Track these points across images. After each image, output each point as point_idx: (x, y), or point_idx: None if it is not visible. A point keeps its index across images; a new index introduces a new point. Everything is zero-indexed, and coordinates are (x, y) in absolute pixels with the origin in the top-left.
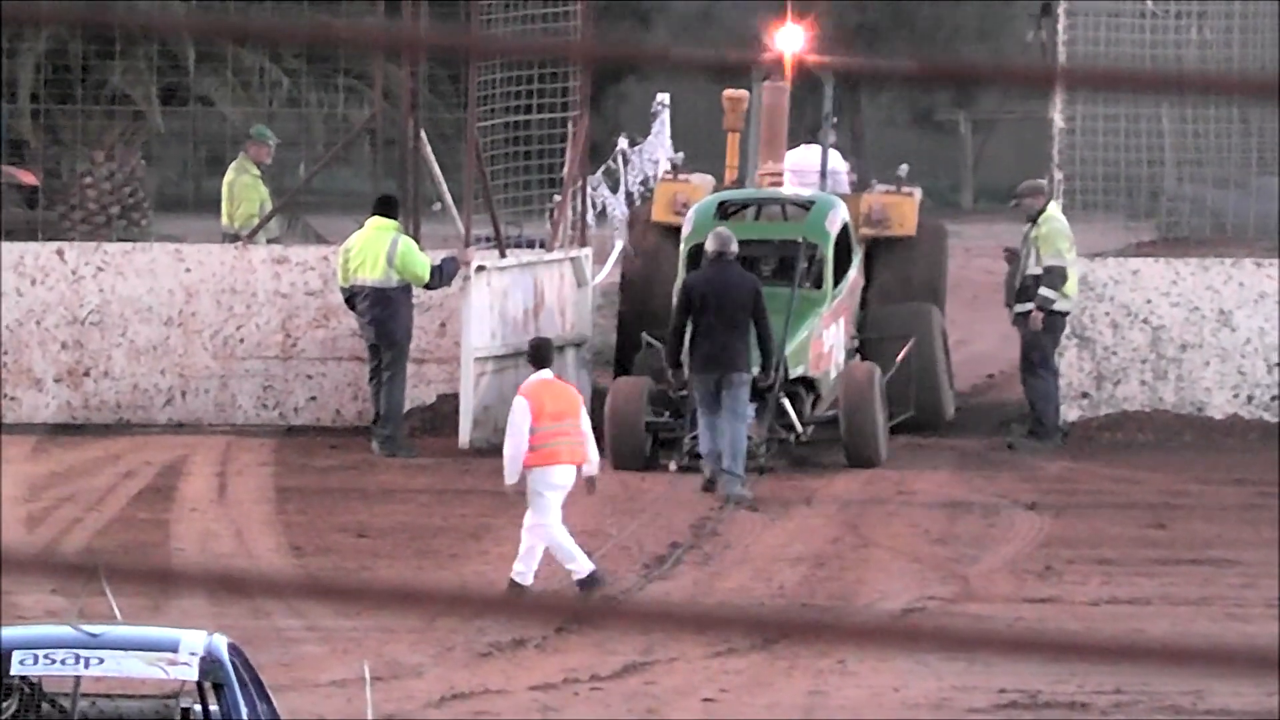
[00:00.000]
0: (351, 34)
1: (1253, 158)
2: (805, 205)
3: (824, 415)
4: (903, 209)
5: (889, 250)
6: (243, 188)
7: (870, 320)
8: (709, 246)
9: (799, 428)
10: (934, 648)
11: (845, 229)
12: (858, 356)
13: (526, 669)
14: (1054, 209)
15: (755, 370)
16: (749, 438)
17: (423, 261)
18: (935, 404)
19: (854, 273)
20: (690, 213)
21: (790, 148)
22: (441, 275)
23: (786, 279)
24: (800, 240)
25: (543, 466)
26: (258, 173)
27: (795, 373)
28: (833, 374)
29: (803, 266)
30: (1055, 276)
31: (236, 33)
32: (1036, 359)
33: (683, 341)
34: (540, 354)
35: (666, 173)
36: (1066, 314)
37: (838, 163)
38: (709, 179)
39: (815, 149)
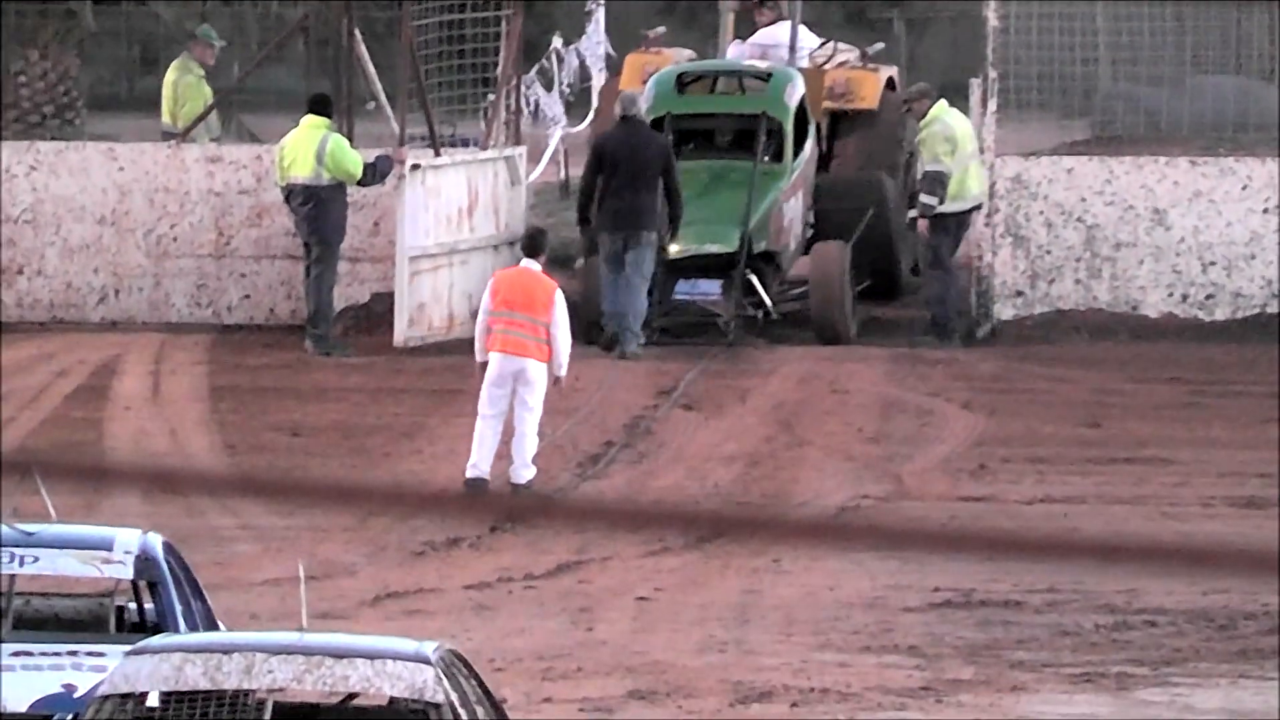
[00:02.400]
0: None
1: (1187, 56)
2: (763, 78)
3: (793, 293)
4: (865, 83)
5: (851, 123)
6: (186, 87)
7: (826, 192)
8: (615, 108)
9: (768, 304)
10: (867, 546)
11: (803, 102)
12: (810, 230)
13: (460, 568)
14: (940, 111)
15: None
16: (718, 315)
17: (354, 159)
18: (892, 273)
19: (810, 146)
20: (649, 83)
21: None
22: (374, 173)
23: (746, 152)
24: (760, 114)
25: (495, 352)
26: (202, 73)
27: (759, 247)
28: (792, 246)
29: (763, 140)
30: (931, 182)
31: None
32: (929, 261)
33: (591, 200)
34: (530, 242)
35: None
36: (961, 214)
37: (808, 38)
38: (686, 52)
39: (785, 25)
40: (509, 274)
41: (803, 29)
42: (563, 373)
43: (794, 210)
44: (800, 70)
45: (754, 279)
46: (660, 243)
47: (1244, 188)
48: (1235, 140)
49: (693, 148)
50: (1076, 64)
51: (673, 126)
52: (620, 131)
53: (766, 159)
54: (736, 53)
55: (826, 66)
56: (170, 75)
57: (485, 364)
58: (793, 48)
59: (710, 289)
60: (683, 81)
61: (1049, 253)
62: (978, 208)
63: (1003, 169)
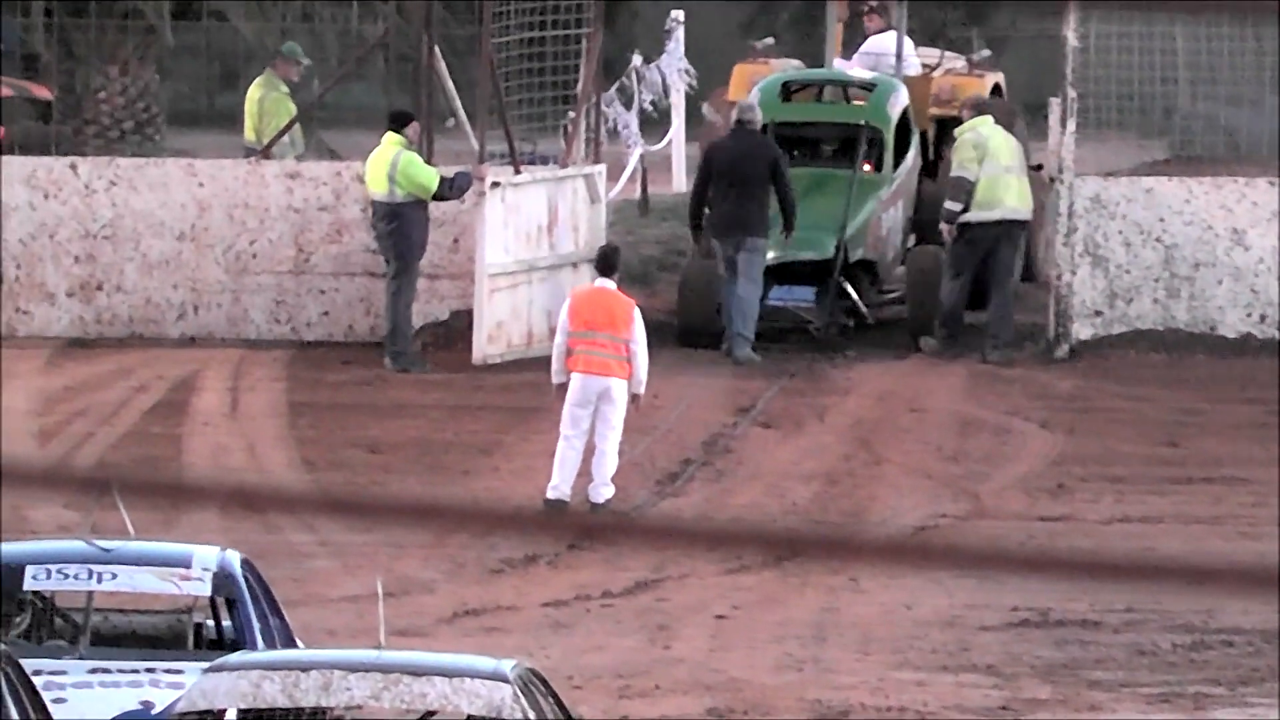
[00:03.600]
0: None
1: (1266, 76)
2: (868, 88)
3: (889, 299)
4: (971, 88)
5: (955, 128)
6: (272, 103)
7: (929, 199)
8: (732, 115)
9: (863, 310)
10: (946, 565)
11: (905, 112)
12: (913, 237)
13: (538, 585)
14: (977, 121)
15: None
16: (809, 321)
17: (427, 174)
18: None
19: (912, 155)
20: (754, 91)
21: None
22: (451, 187)
23: (848, 161)
24: (862, 123)
25: (577, 372)
26: (286, 90)
27: (855, 256)
28: (889, 255)
29: (863, 149)
30: (955, 188)
31: None
32: (947, 267)
33: (702, 205)
34: (605, 260)
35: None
36: (988, 224)
37: (909, 48)
38: (793, 63)
39: (892, 35)
40: (587, 293)
41: (908, 39)
42: (641, 390)
43: (893, 219)
44: (906, 79)
45: (849, 286)
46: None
47: None
48: None
49: (796, 155)
50: (1156, 84)
51: (775, 134)
52: (732, 139)
53: (867, 168)
54: (846, 65)
55: (934, 74)
56: (254, 92)
57: (563, 385)
58: (899, 56)
59: (805, 295)
60: (789, 90)
61: (1128, 272)
62: (1021, 225)
63: (1081, 188)
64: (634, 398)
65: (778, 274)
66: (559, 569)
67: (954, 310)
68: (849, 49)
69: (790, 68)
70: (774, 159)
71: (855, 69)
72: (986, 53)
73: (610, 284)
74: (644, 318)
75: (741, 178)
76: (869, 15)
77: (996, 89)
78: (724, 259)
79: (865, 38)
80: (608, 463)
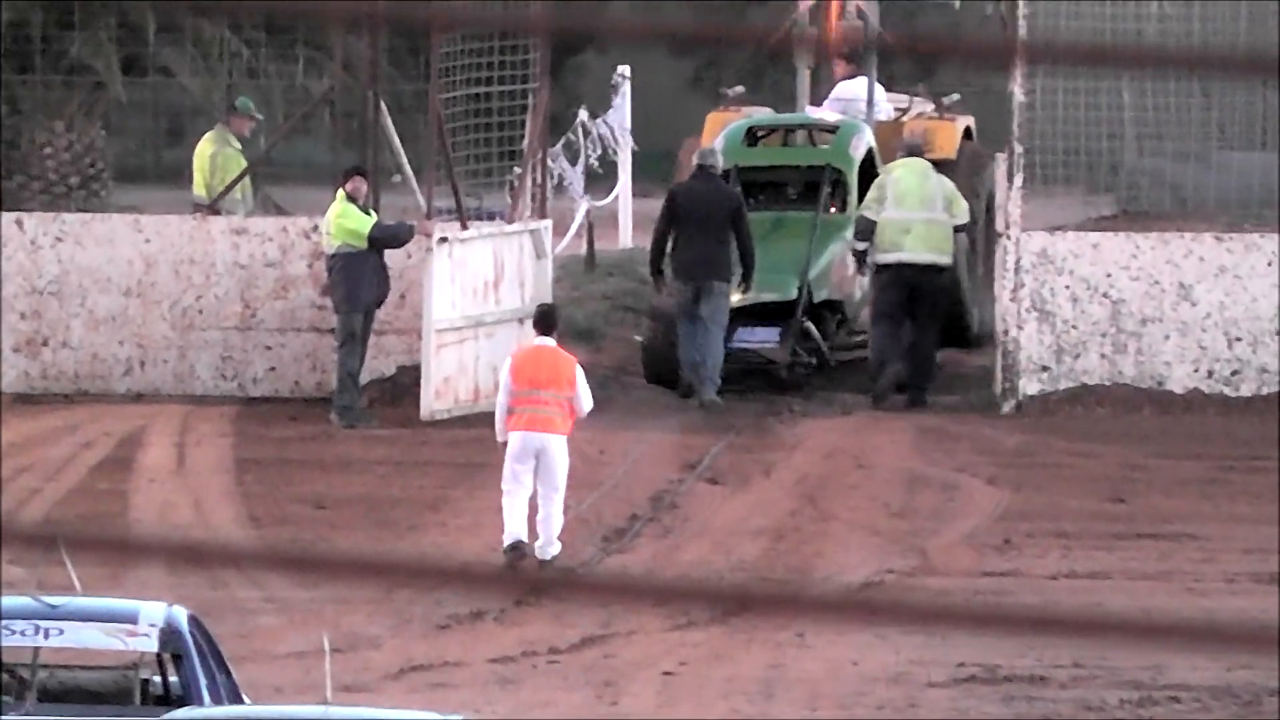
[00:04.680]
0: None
1: (1212, 131)
2: (831, 130)
3: (851, 341)
4: (943, 132)
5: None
6: (225, 159)
7: None
8: (693, 159)
9: (825, 352)
10: (892, 621)
11: (870, 154)
12: None
13: (485, 641)
14: (895, 165)
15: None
16: (772, 362)
17: (359, 220)
18: (961, 321)
19: None
20: (719, 136)
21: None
22: (384, 232)
23: (811, 203)
24: (825, 165)
25: (516, 430)
26: (239, 145)
27: (819, 296)
28: (857, 296)
29: (826, 191)
30: (858, 226)
31: (197, 2)
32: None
33: (663, 250)
34: (544, 319)
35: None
36: (897, 266)
37: (880, 93)
38: (764, 110)
39: (862, 80)
40: (529, 352)
41: (878, 86)
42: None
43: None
44: (878, 124)
45: (812, 327)
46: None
47: (1269, 263)
48: (1260, 216)
49: (761, 199)
50: (1102, 139)
51: (741, 178)
52: (694, 184)
53: (832, 209)
54: (816, 110)
55: (904, 119)
56: (206, 147)
57: (506, 443)
58: (870, 102)
59: (768, 336)
60: (755, 135)
61: (1075, 327)
62: (936, 270)
63: (1028, 244)
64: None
65: (742, 315)
66: (506, 625)
67: (879, 357)
68: (816, 94)
69: (760, 114)
70: (735, 205)
71: (825, 114)
72: (956, 97)
73: (550, 342)
74: (591, 372)
75: (703, 222)
76: (837, 61)
77: (968, 132)
78: (683, 302)
79: (834, 84)
80: (554, 523)
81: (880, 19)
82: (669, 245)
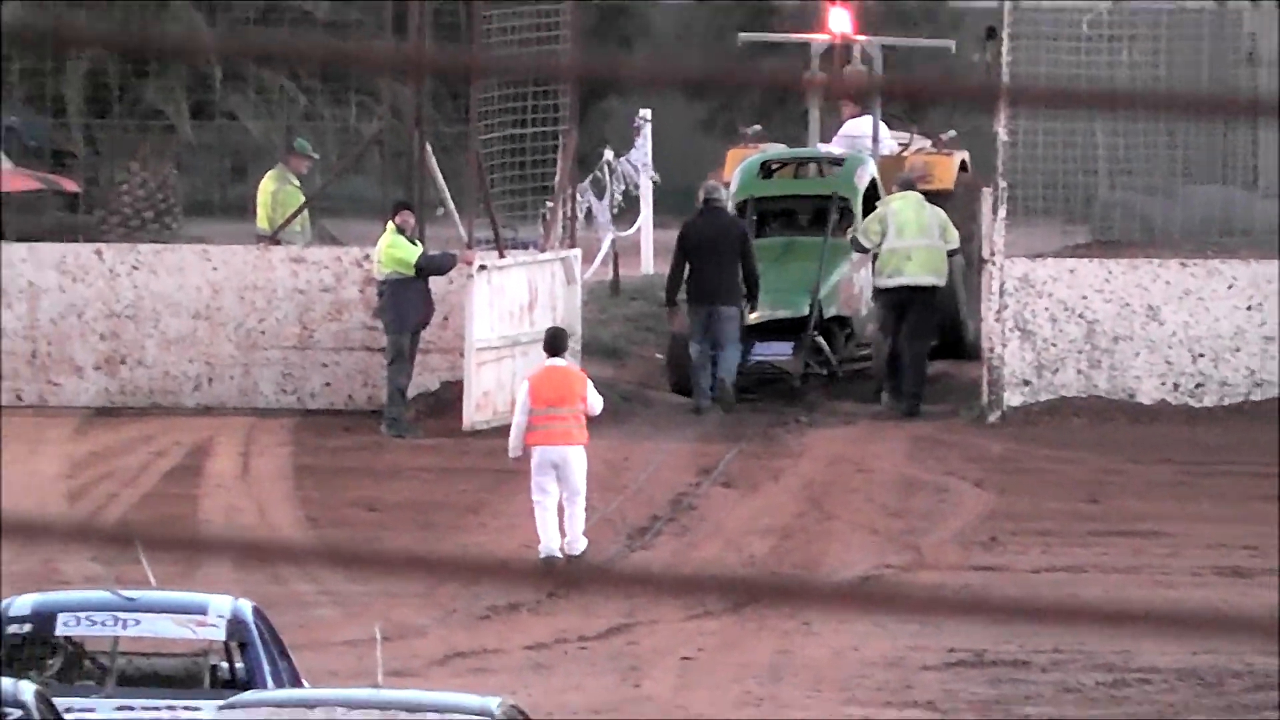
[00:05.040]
0: (362, 55)
1: (1177, 167)
2: (838, 163)
3: (858, 353)
4: (941, 166)
5: (929, 201)
6: (286, 195)
7: None
8: (700, 195)
9: (834, 364)
10: (889, 611)
11: (873, 184)
12: None
13: (521, 630)
14: (893, 198)
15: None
16: (787, 372)
17: (407, 250)
18: (955, 332)
19: None
20: (736, 171)
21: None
22: (432, 262)
23: (820, 229)
24: (832, 194)
25: (538, 445)
26: (298, 183)
27: (829, 312)
28: (863, 312)
29: (834, 218)
30: (852, 246)
31: (259, 53)
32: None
33: (678, 283)
34: (554, 343)
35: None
36: (894, 289)
37: (884, 131)
38: (779, 147)
39: (867, 119)
40: (543, 375)
41: (882, 124)
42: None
43: (865, 279)
44: (882, 158)
45: (822, 341)
46: (742, 312)
47: (1230, 286)
48: (1221, 244)
49: (775, 225)
50: (1078, 175)
51: (757, 207)
52: (703, 217)
53: (839, 234)
54: (826, 147)
55: (905, 153)
56: (268, 184)
57: (518, 459)
58: (875, 139)
59: (782, 350)
60: (769, 168)
61: (1053, 345)
62: (929, 290)
63: (1011, 269)
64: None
65: (758, 331)
66: (539, 615)
67: (887, 368)
68: (825, 132)
69: (774, 149)
70: (741, 235)
71: (833, 149)
72: (953, 133)
73: (561, 362)
74: (614, 388)
75: (712, 253)
76: (845, 102)
77: (964, 165)
78: (698, 323)
79: (841, 122)
80: (578, 521)
81: (883, 64)
82: (684, 275)
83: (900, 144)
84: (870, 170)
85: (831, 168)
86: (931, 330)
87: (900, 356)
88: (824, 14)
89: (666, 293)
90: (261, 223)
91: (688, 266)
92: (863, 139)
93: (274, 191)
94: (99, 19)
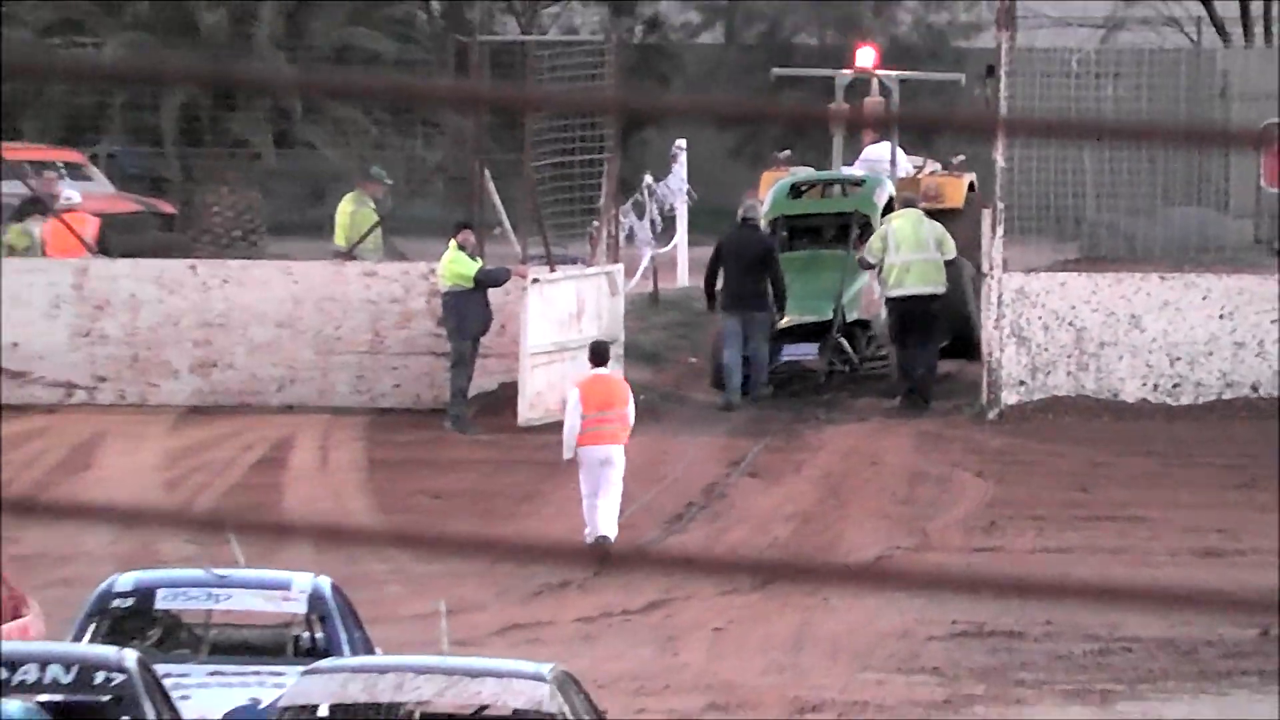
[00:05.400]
0: (427, 90)
1: (1158, 191)
2: (859, 184)
3: (877, 354)
4: (951, 186)
5: (941, 218)
6: (362, 216)
7: None
8: (739, 212)
9: (855, 362)
10: (899, 588)
11: (891, 202)
12: None
13: (570, 605)
14: (894, 216)
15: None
16: (813, 370)
17: (467, 265)
18: (965, 334)
19: None
20: (769, 191)
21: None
22: (489, 276)
23: (843, 243)
24: (854, 212)
25: (587, 446)
26: (372, 205)
27: (851, 317)
28: (882, 316)
29: (856, 233)
30: (860, 264)
31: (335, 90)
32: None
33: (713, 284)
34: (597, 353)
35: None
36: (901, 298)
37: (900, 155)
38: (807, 169)
39: (886, 145)
40: (591, 382)
41: (899, 149)
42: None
43: None
44: (899, 179)
45: (845, 343)
46: (771, 318)
47: (1204, 298)
48: (1196, 259)
49: (803, 240)
50: (1069, 197)
51: (786, 225)
52: (736, 232)
53: (860, 248)
54: (848, 170)
55: (920, 175)
56: (347, 206)
57: (571, 460)
58: (893, 162)
59: (809, 350)
60: (798, 189)
61: (1046, 350)
62: (933, 298)
63: (1009, 282)
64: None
65: (787, 334)
66: (586, 592)
67: (901, 370)
68: (848, 156)
69: (802, 172)
70: (769, 248)
71: (854, 171)
72: (961, 158)
73: (606, 370)
74: (653, 390)
75: (742, 263)
76: (865, 130)
77: (971, 185)
78: (729, 327)
79: (862, 148)
80: (614, 512)
81: (899, 96)
82: (719, 281)
83: (915, 166)
84: (888, 190)
85: (853, 188)
86: (934, 332)
87: (910, 359)
88: (852, 51)
89: (706, 293)
90: (339, 240)
91: (721, 275)
92: (881, 162)
93: (351, 213)
94: (192, 58)
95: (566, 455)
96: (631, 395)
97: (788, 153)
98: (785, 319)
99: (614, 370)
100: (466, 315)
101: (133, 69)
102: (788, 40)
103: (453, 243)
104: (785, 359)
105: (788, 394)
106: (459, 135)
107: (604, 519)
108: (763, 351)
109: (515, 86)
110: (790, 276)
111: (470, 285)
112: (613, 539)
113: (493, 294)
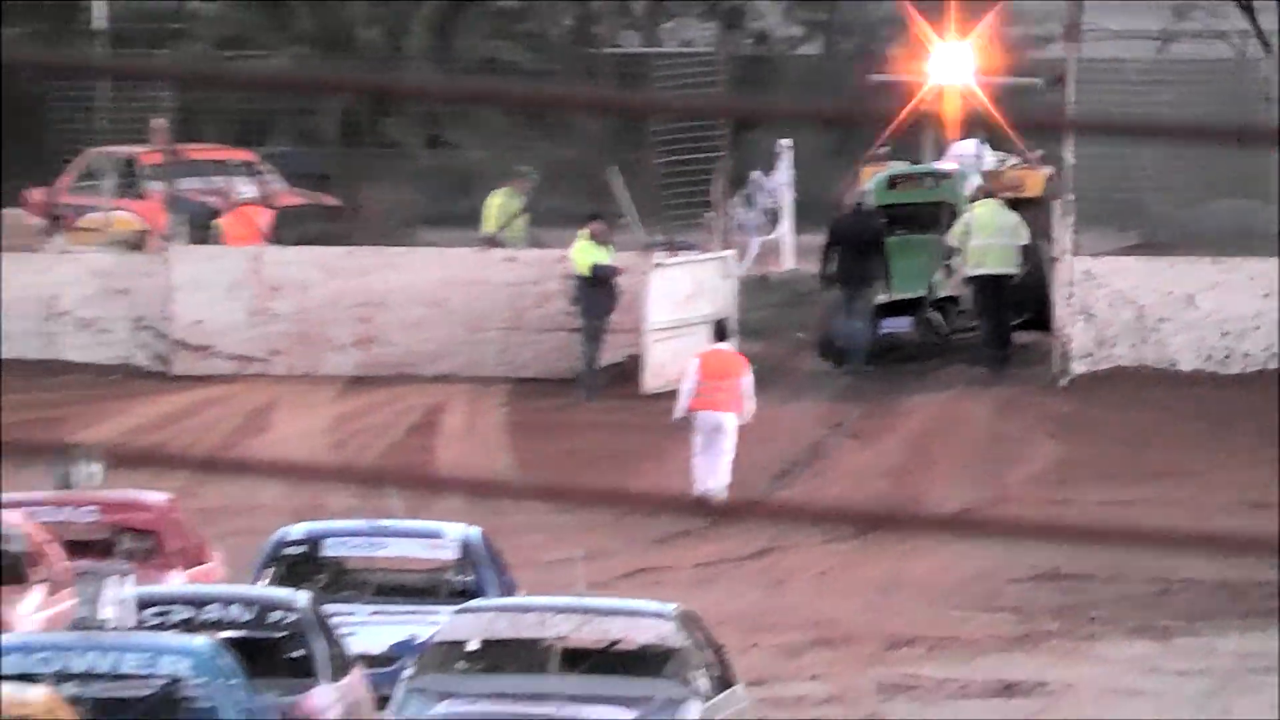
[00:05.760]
0: (562, 96)
1: (1209, 184)
2: (946, 176)
3: (965, 325)
4: (1031, 178)
5: (1023, 207)
6: (510, 209)
7: None
8: (849, 200)
9: (944, 334)
10: (982, 535)
11: (975, 192)
12: None
13: (689, 551)
14: (976, 205)
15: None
16: (909, 341)
17: (584, 258)
18: (1043, 310)
19: None
20: (869, 182)
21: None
22: (599, 269)
23: (935, 228)
24: (943, 202)
25: (701, 410)
26: (522, 199)
27: (941, 293)
28: (968, 293)
29: (945, 220)
30: (945, 248)
31: (481, 96)
32: None
33: (828, 262)
34: (720, 330)
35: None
36: (981, 277)
37: (986, 150)
38: (901, 163)
39: (972, 141)
40: (710, 354)
41: (985, 146)
42: (750, 413)
43: None
44: (985, 172)
45: (937, 316)
46: (874, 294)
47: (1251, 279)
48: (1243, 245)
49: (900, 226)
50: (1131, 190)
51: (886, 212)
52: (849, 217)
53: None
54: (939, 164)
55: (1003, 168)
56: (497, 199)
57: (679, 420)
58: (979, 156)
59: (905, 324)
60: (894, 181)
61: (1110, 325)
62: (1008, 277)
63: (1077, 265)
64: (746, 419)
65: (885, 309)
66: (704, 539)
67: (985, 341)
68: (939, 151)
69: (898, 166)
70: (876, 231)
71: (945, 165)
72: (1040, 152)
73: (725, 346)
74: (765, 359)
75: (852, 245)
76: (950, 128)
77: (1050, 178)
78: (842, 300)
79: (950, 144)
80: (723, 471)
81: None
82: (831, 262)
83: (999, 160)
84: (974, 182)
85: (943, 180)
86: (1009, 307)
87: (989, 331)
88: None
89: (820, 272)
90: (487, 228)
91: (835, 254)
92: (968, 157)
93: (500, 205)
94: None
95: (676, 415)
96: (749, 370)
97: (886, 149)
98: (883, 297)
99: (732, 346)
100: (595, 297)
101: (300, 79)
102: (882, 49)
103: (584, 232)
104: (884, 331)
105: (885, 363)
106: (589, 136)
107: (714, 477)
108: (865, 326)
109: (639, 93)
110: (888, 258)
111: (588, 274)
112: (721, 495)
113: (622, 276)
